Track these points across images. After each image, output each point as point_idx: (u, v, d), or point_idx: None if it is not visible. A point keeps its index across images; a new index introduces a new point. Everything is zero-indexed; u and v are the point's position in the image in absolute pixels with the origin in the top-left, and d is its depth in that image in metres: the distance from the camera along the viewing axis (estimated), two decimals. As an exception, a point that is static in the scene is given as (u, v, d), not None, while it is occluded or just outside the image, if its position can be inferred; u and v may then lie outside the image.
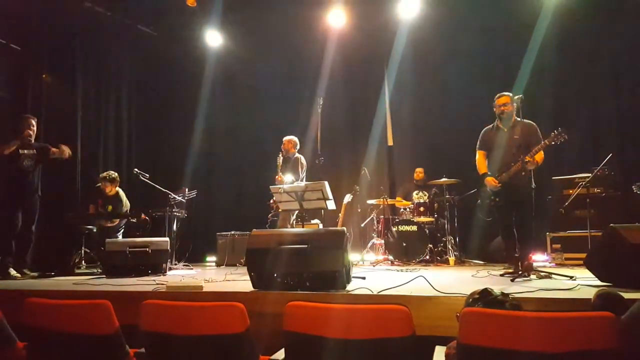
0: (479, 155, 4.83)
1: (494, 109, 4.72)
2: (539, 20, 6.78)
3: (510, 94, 4.65)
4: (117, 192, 6.50)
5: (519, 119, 4.53)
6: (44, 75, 6.78)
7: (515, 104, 4.53)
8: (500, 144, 4.61)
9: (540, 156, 4.37)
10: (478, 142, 4.87)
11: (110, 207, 6.38)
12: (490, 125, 4.81)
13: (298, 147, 6.33)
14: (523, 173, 4.37)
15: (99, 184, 6.42)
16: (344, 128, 8.21)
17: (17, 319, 2.25)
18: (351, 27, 7.62)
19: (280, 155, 6.09)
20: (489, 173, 4.66)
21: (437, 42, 7.52)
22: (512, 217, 4.59)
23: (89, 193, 6.65)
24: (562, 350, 1.50)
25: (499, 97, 4.69)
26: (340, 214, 6.86)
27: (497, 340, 1.56)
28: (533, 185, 4.39)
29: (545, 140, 4.32)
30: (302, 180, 5.92)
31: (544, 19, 6.76)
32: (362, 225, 7.42)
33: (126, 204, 6.54)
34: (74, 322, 2.11)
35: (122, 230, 6.46)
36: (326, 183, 4.87)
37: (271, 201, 6.59)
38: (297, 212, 5.83)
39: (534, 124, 4.58)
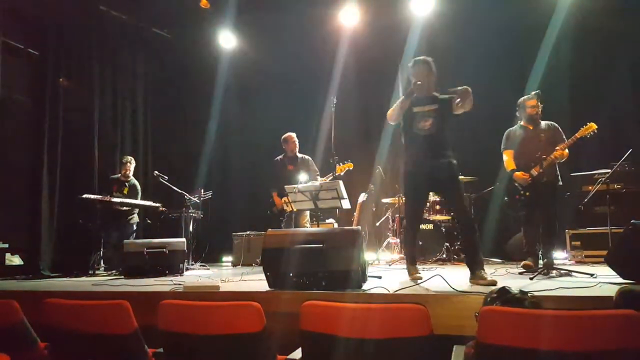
0: (507, 155, 4.83)
1: (525, 110, 4.73)
2: (553, 15, 6.65)
3: (535, 97, 4.69)
4: (134, 181, 6.69)
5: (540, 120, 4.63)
6: (60, 79, 6.88)
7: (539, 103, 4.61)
8: (529, 141, 4.65)
9: (565, 152, 4.43)
10: (504, 143, 4.89)
11: (126, 190, 6.54)
12: (515, 126, 4.88)
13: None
14: (549, 169, 4.44)
15: (115, 176, 6.70)
16: (357, 127, 8.16)
17: (38, 319, 2.29)
18: (364, 26, 7.58)
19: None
20: (517, 169, 4.69)
21: (450, 39, 7.42)
22: (537, 213, 4.63)
23: (105, 185, 6.73)
24: (583, 349, 1.47)
25: (528, 99, 4.73)
26: (355, 213, 6.83)
27: (516, 339, 1.53)
28: (560, 181, 4.52)
29: (577, 134, 4.38)
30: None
31: (559, 13, 6.64)
32: (377, 224, 7.37)
33: (140, 193, 6.72)
34: (93, 323, 2.14)
35: (135, 221, 6.60)
36: (341, 182, 4.86)
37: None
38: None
39: (555, 123, 4.69)
